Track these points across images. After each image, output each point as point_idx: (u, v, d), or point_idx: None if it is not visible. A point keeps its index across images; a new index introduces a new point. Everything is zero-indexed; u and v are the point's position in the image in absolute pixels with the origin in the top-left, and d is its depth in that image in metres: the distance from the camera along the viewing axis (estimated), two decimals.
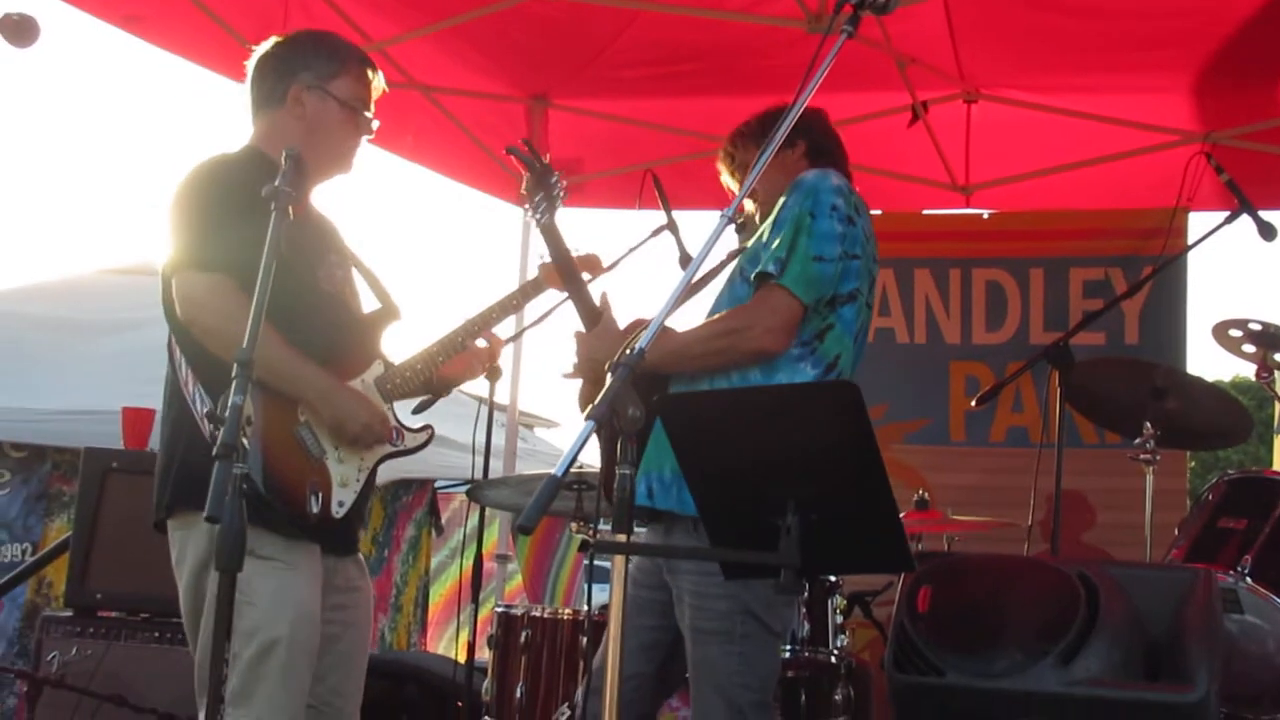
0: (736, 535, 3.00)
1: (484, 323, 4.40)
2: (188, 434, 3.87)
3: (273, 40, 4.17)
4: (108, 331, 9.09)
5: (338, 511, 3.93)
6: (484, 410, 5.74)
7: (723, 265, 4.31)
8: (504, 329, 4.53)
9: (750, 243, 4.15)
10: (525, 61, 7.76)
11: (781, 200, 4.05)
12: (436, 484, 10.94)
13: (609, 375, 2.78)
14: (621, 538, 2.76)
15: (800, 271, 3.87)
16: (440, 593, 11.28)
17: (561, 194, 4.22)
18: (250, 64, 4.15)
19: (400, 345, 4.32)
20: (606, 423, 2.74)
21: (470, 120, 8.06)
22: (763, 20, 6.84)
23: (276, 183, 3.32)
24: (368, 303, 4.28)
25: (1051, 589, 4.45)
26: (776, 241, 3.92)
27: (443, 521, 11.19)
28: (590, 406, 2.73)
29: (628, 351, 2.83)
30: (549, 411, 18.19)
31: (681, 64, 7.51)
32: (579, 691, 4.36)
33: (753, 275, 3.95)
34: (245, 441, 3.02)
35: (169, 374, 4.00)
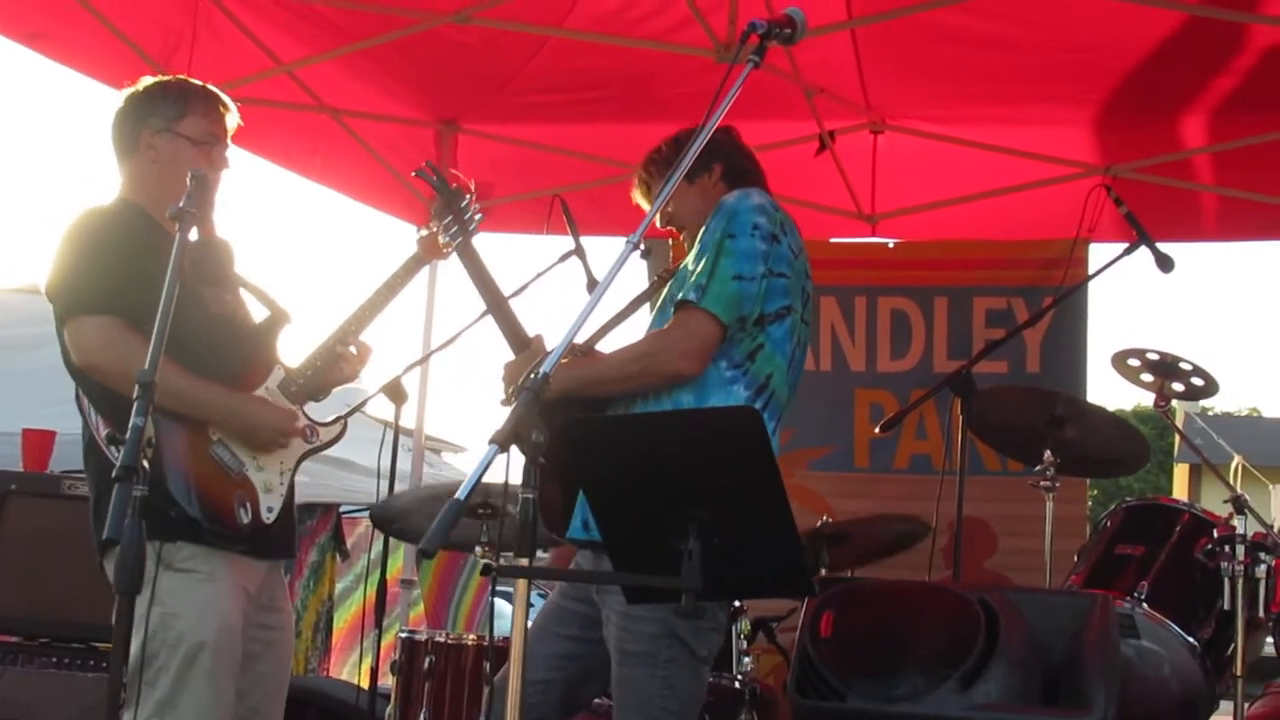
0: (640, 559, 3.02)
1: (370, 311, 4.40)
2: (107, 478, 3.86)
3: (123, 94, 4.26)
4: (6, 351, 8.94)
5: (268, 517, 4.06)
6: (389, 434, 5.73)
7: (652, 291, 4.33)
8: (409, 346, 4.55)
9: (679, 270, 4.17)
10: (435, 86, 7.75)
11: (704, 226, 4.06)
12: (341, 508, 10.87)
13: (512, 400, 2.79)
14: (524, 562, 2.76)
15: (719, 292, 3.88)
16: (345, 618, 11.17)
17: (475, 215, 4.26)
18: (108, 121, 4.25)
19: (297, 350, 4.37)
20: (507, 447, 2.75)
21: (379, 144, 8.02)
22: (672, 48, 6.87)
23: (181, 203, 3.34)
24: (259, 316, 4.36)
25: (952, 614, 4.51)
26: (699, 268, 3.93)
27: (348, 546, 11.09)
28: (495, 431, 2.73)
29: (531, 376, 2.84)
30: (456, 436, 18.15)
31: (591, 90, 7.53)
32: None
33: (676, 300, 3.96)
34: (145, 463, 2.99)
35: (83, 426, 4.08)
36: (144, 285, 3.77)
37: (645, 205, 4.46)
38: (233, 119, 4.27)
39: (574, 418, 3.13)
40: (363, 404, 5.68)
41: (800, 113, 7.40)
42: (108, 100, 4.31)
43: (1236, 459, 11.95)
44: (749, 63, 3.41)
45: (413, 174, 4.35)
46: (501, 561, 3.16)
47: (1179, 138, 7.51)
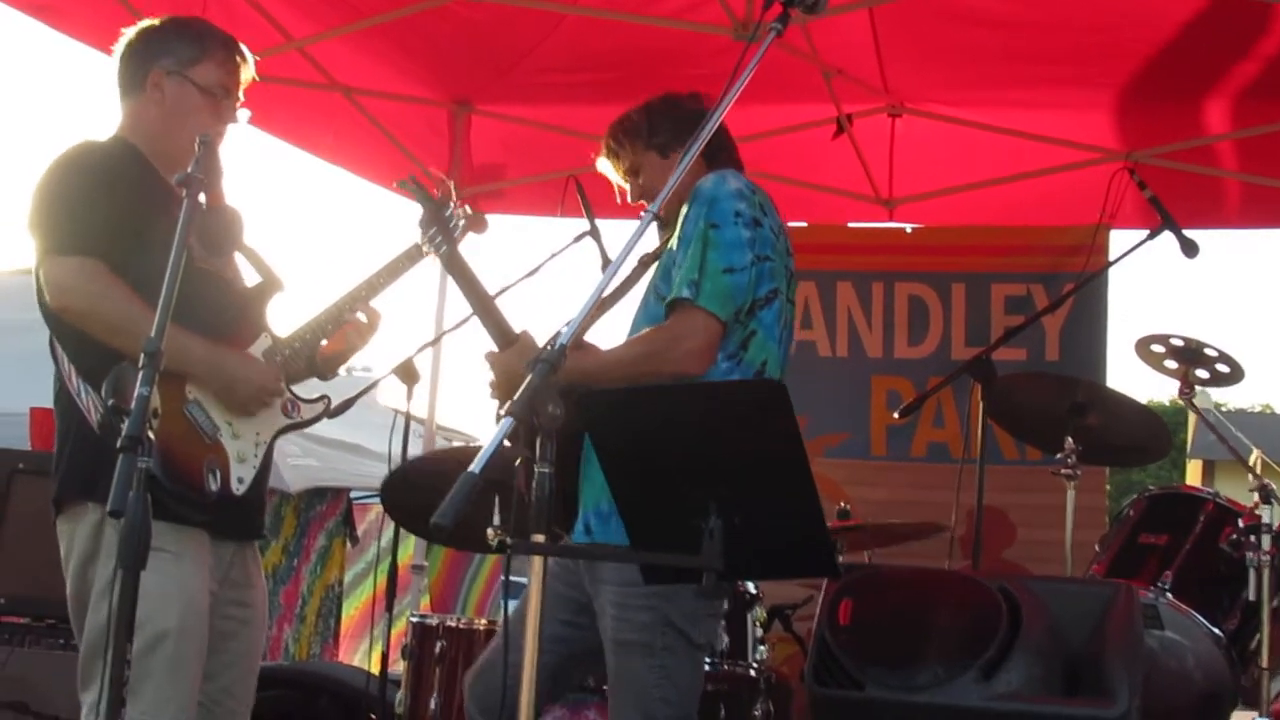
0: (658, 538, 2.92)
1: (367, 292, 4.23)
2: (75, 428, 3.78)
3: (138, 27, 4.04)
4: (14, 332, 8.87)
5: (238, 488, 3.85)
6: (401, 420, 5.66)
7: (635, 276, 4.23)
8: (420, 328, 4.45)
9: (660, 257, 4.07)
10: (448, 65, 7.67)
11: (683, 211, 3.97)
12: (352, 494, 10.83)
13: (528, 371, 2.70)
14: (540, 538, 2.67)
15: (713, 288, 3.80)
16: (356, 605, 11.15)
17: (459, 224, 4.18)
18: (115, 52, 4.03)
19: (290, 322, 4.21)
20: (525, 420, 2.66)
21: (391, 123, 7.94)
22: (690, 26, 6.78)
23: (189, 169, 3.22)
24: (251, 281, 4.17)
25: (973, 603, 4.43)
26: (686, 262, 3.85)
27: (359, 533, 11.05)
28: (509, 403, 2.65)
29: (548, 348, 2.76)
30: (467, 424, 18.04)
31: (606, 71, 7.43)
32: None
33: (668, 299, 3.87)
34: (150, 434, 2.88)
35: (55, 373, 3.90)
36: (129, 229, 3.66)
37: (612, 174, 4.38)
38: (247, 72, 4.06)
39: (590, 389, 3.03)
40: (374, 385, 5.63)
41: (818, 95, 7.31)
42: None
43: (1255, 453, 11.83)
44: (772, 30, 3.30)
45: (395, 185, 4.23)
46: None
47: (1202, 123, 7.41)
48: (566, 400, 2.69)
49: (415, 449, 7.49)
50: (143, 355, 2.95)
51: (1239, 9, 6.27)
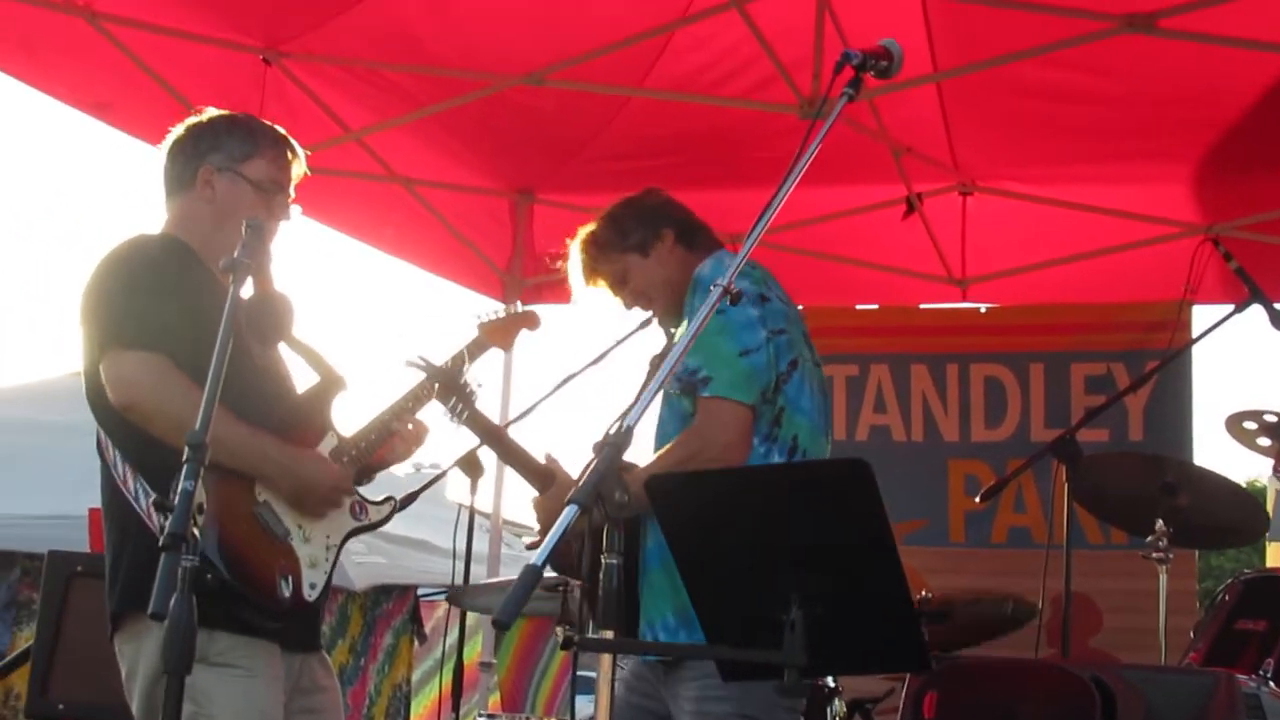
0: (735, 631, 2.73)
1: (416, 401, 4.13)
2: (134, 535, 3.60)
3: (185, 123, 3.93)
4: (77, 434, 8.83)
5: (310, 595, 3.65)
6: (464, 513, 5.54)
7: (651, 374, 4.10)
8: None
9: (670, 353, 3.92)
10: (509, 153, 7.61)
11: (687, 303, 3.89)
12: (419, 591, 10.70)
13: (593, 456, 2.55)
14: (609, 634, 2.50)
15: (733, 376, 3.69)
16: (424, 704, 11.01)
17: (475, 390, 4.30)
18: (163, 148, 3.93)
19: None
20: (591, 508, 2.50)
21: (452, 214, 7.87)
22: (755, 106, 6.68)
23: (235, 253, 3.09)
24: (302, 380, 4.03)
25: (1065, 694, 4.26)
26: (701, 354, 3.71)
27: (426, 629, 10.91)
28: (573, 490, 2.48)
29: (614, 430, 2.60)
30: (525, 517, 17.89)
31: (669, 156, 7.32)
32: None
33: (694, 393, 3.76)
34: (196, 531, 2.73)
35: (103, 475, 3.73)
36: (188, 325, 3.51)
37: (583, 285, 4.24)
38: (299, 167, 3.96)
39: (661, 474, 2.85)
40: (439, 477, 5.51)
41: (887, 174, 7.17)
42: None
43: None
44: (844, 95, 3.17)
45: (406, 364, 4.19)
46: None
47: None
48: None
49: (481, 544, 7.36)
50: (187, 448, 2.80)
51: None
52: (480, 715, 5.52)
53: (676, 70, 6.67)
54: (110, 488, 3.71)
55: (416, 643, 10.61)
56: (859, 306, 8.28)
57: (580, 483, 2.50)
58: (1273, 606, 5.23)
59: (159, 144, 5.90)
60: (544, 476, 4.06)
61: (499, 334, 4.45)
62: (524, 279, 8.15)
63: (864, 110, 6.56)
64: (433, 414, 4.29)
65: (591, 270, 4.20)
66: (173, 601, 2.68)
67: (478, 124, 7.12)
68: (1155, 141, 6.89)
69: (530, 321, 4.53)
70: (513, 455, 4.26)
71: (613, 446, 2.55)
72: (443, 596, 11.07)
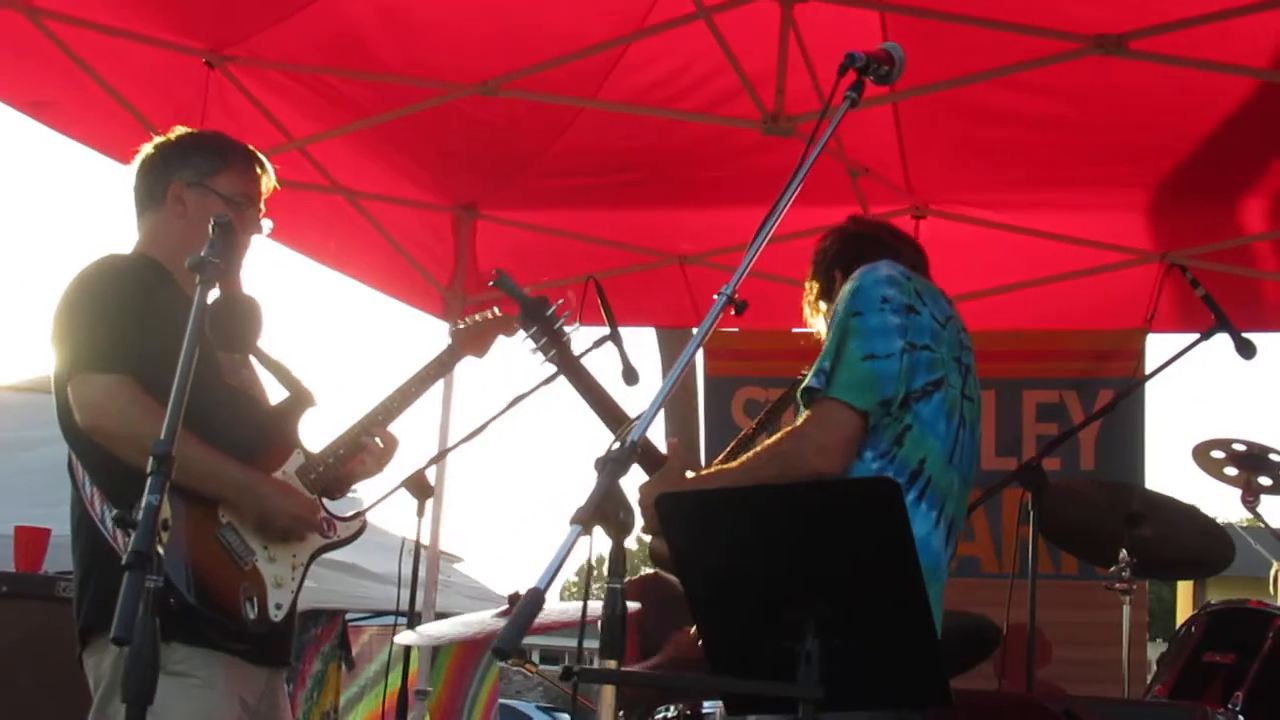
0: (744, 661, 2.56)
1: (386, 414, 4.12)
2: (101, 555, 3.58)
3: (154, 142, 4.01)
4: (4, 450, 8.62)
5: (276, 615, 3.69)
6: (403, 540, 5.36)
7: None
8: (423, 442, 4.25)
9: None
10: (454, 167, 7.41)
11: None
12: (348, 616, 10.50)
13: (596, 472, 2.38)
14: (611, 663, 2.33)
15: (848, 377, 3.38)
16: None
17: (566, 325, 3.92)
18: (133, 167, 3.98)
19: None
20: (591, 529, 2.33)
21: (395, 229, 7.66)
22: (718, 120, 6.51)
23: (203, 252, 2.92)
24: (275, 394, 4.06)
25: None
26: (822, 353, 3.47)
27: (353, 655, 10.70)
28: (577, 509, 2.31)
29: (615, 446, 2.44)
30: (452, 545, 17.64)
31: (622, 172, 7.19)
32: None
33: (800, 390, 3.50)
34: (160, 549, 2.55)
35: (73, 496, 3.74)
36: (157, 346, 3.49)
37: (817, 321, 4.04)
38: (268, 181, 4.01)
39: (670, 493, 2.68)
40: (386, 496, 5.29)
41: (845, 196, 7.00)
42: (114, 176, 4.00)
43: (1275, 565, 11.54)
44: (846, 100, 3.06)
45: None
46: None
47: (1240, 222, 7.15)
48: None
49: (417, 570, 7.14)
50: (151, 459, 2.64)
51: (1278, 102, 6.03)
52: None
53: (631, 84, 6.48)
54: (79, 508, 3.70)
55: (344, 669, 10.40)
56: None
57: (583, 502, 2.34)
58: (1241, 639, 5.14)
59: (95, 146, 5.76)
60: (648, 453, 3.71)
61: (474, 341, 4.35)
62: (466, 296, 7.96)
63: (823, 129, 6.43)
64: (406, 423, 4.14)
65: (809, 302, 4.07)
66: (135, 628, 2.51)
67: (424, 136, 6.93)
68: (1112, 168, 6.81)
69: (507, 327, 4.39)
70: (613, 416, 3.83)
71: (615, 463, 2.39)
72: (371, 621, 10.88)
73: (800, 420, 3.45)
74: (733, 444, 4.42)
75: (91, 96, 6.00)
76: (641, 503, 3.44)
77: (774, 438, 3.52)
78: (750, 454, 3.53)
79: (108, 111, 6.03)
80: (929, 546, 3.40)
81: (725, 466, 3.57)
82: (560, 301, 3.87)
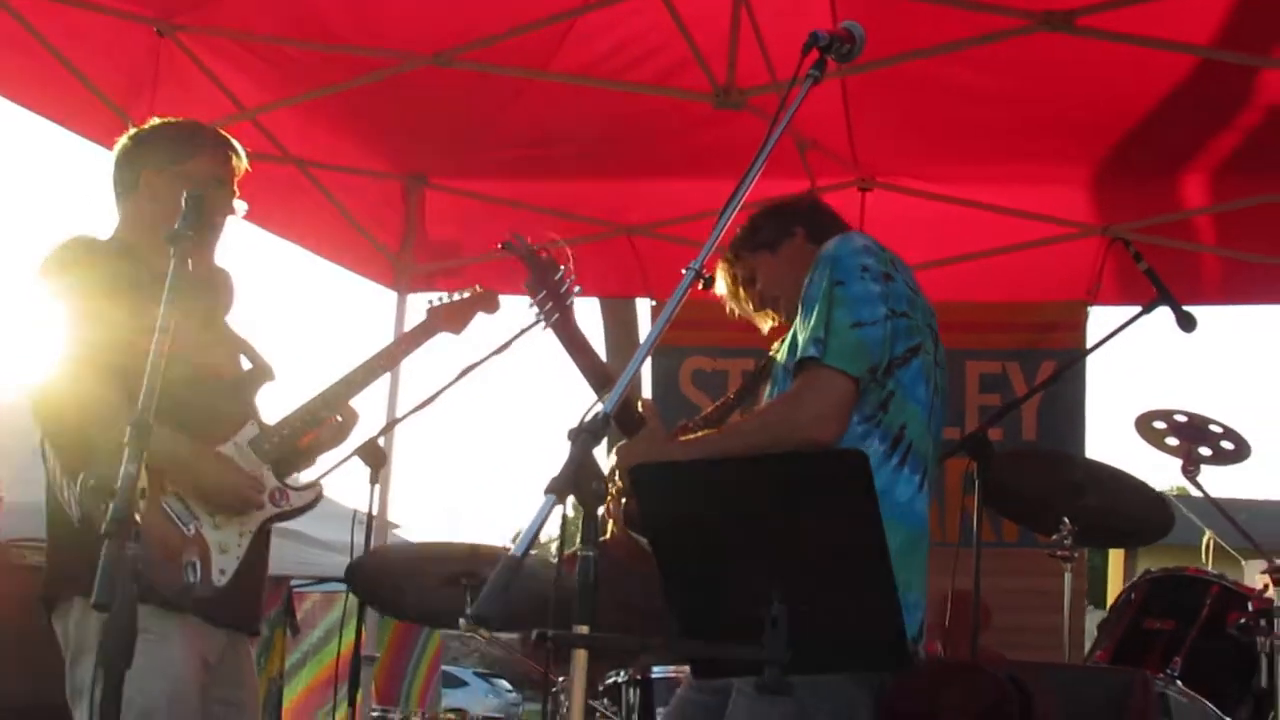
0: (713, 626, 2.63)
1: (349, 389, 4.16)
2: (62, 524, 3.72)
3: (129, 133, 4.11)
4: None
5: (219, 580, 3.74)
6: (352, 507, 5.45)
7: (750, 384, 4.06)
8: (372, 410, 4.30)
9: (787, 340, 3.75)
10: (405, 136, 7.41)
11: (805, 282, 3.63)
12: (292, 583, 10.55)
13: (569, 442, 2.44)
14: (584, 628, 2.39)
15: (840, 344, 3.43)
16: (293, 696, 10.82)
17: (571, 290, 3.81)
18: (111, 157, 4.08)
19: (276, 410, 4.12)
20: (565, 498, 2.40)
21: (345, 196, 7.65)
22: (668, 93, 6.55)
23: (177, 225, 2.97)
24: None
25: (982, 693, 4.20)
26: (811, 322, 3.49)
27: (297, 621, 10.75)
28: (551, 478, 2.38)
29: (587, 417, 2.50)
30: (395, 514, 17.69)
31: (571, 144, 7.22)
32: None
33: (792, 365, 3.53)
34: (139, 518, 2.61)
35: (46, 475, 3.83)
36: (127, 327, 3.54)
37: (729, 293, 4.06)
38: (240, 164, 4.09)
39: (644, 463, 2.74)
40: (340, 464, 5.33)
41: (793, 169, 7.07)
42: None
43: (1208, 534, 11.69)
44: (809, 78, 3.13)
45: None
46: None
47: (1180, 197, 7.28)
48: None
49: (357, 537, 7.19)
50: (129, 429, 2.68)
51: (1220, 81, 6.14)
52: (374, 710, 5.35)
53: (582, 56, 6.51)
54: (49, 487, 3.79)
55: (289, 635, 10.46)
56: None
57: (557, 472, 2.40)
58: (1179, 606, 5.25)
59: (47, 115, 5.76)
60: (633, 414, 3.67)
61: (451, 318, 4.36)
62: (416, 264, 7.98)
63: (774, 102, 6.48)
64: (369, 397, 4.16)
65: (729, 274, 4.04)
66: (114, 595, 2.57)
67: (375, 106, 6.92)
68: (1055, 142, 6.90)
69: (489, 304, 4.40)
70: (603, 382, 3.76)
71: (588, 434, 2.45)
72: (315, 588, 10.92)
73: (795, 384, 3.49)
74: (711, 410, 4.39)
75: (42, 64, 5.95)
76: (619, 465, 3.52)
77: (767, 404, 3.59)
78: (743, 419, 3.59)
79: (58, 79, 6.00)
80: (914, 510, 3.51)
81: (709, 433, 3.63)
82: (564, 267, 3.85)
